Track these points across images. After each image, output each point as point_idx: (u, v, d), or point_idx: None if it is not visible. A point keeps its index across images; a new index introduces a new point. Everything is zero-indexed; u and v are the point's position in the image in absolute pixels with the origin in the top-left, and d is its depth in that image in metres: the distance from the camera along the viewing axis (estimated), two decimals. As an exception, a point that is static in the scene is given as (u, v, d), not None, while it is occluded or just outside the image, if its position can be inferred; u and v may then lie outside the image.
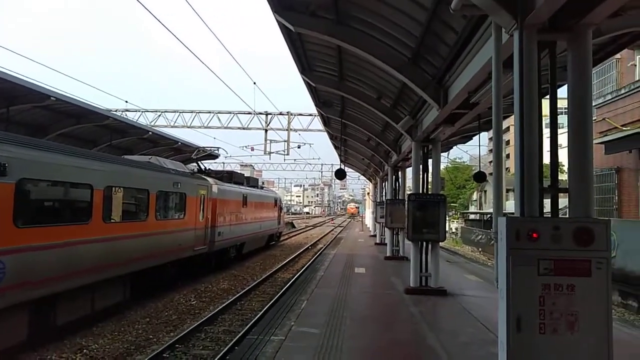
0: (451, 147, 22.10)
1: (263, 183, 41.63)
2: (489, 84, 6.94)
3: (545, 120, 4.15)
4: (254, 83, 22.96)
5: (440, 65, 8.10)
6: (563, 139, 4.31)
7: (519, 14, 3.95)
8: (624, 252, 12.02)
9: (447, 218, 36.88)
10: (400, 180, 20.20)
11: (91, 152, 11.93)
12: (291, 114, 28.66)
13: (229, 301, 11.98)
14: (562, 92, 5.28)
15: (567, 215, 4.09)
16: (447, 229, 17.89)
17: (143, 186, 11.47)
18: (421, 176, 12.07)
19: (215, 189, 16.56)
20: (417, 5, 6.71)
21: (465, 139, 17.76)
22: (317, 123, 25.93)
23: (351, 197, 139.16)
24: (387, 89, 11.39)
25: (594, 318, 3.48)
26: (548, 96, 4.32)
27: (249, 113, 28.10)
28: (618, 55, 16.16)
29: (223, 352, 7.72)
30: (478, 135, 16.06)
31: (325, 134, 23.12)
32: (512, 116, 4.30)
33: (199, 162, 20.11)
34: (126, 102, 27.48)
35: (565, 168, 4.37)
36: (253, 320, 9.69)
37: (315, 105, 15.66)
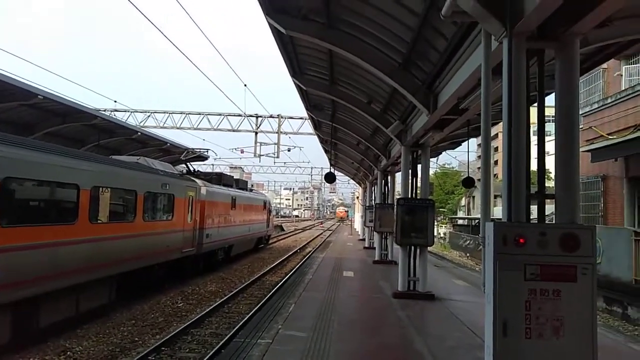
0: (440, 153, 22.29)
1: (252, 186, 41.49)
2: (478, 91, 7.01)
3: (533, 127, 4.20)
4: (245, 85, 22.90)
5: (431, 70, 8.16)
6: (550, 146, 4.37)
7: (509, 22, 4.00)
8: (609, 258, 12.18)
9: (436, 223, 37.08)
10: (389, 184, 20.27)
11: (78, 152, 11.81)
12: (282, 117, 28.64)
13: (216, 304, 11.90)
14: (550, 100, 5.36)
15: (554, 222, 4.14)
16: (435, 233, 18.00)
17: (131, 187, 11.37)
18: (410, 181, 12.13)
19: (204, 190, 16.47)
20: (408, 11, 6.76)
21: (455, 144, 17.90)
22: (308, 126, 25.94)
23: (341, 201, 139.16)
24: (377, 94, 11.44)
25: (579, 323, 3.52)
26: (536, 104, 4.38)
27: (240, 115, 28.02)
28: (605, 65, 16.40)
29: (209, 355, 7.67)
30: (467, 142, 16.19)
31: (316, 137, 23.15)
32: (501, 123, 4.34)
33: (188, 163, 19.98)
34: (115, 101, 27.16)
35: (553, 175, 4.42)
36: (240, 323, 9.63)
37: (306, 109, 15.68)
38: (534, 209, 4.12)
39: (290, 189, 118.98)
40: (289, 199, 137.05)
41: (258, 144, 29.43)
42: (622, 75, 16.99)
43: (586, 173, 16.46)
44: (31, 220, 8.06)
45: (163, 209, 13.30)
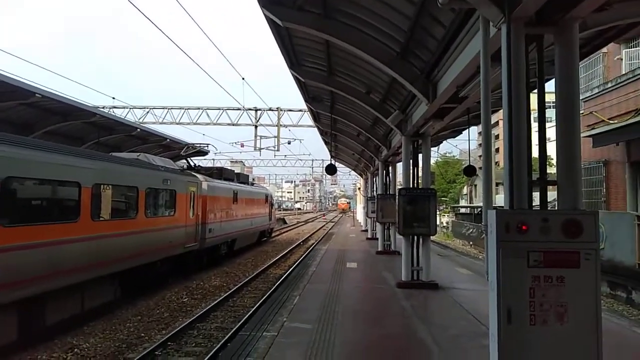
0: (441, 142, 22.22)
1: (254, 179, 41.52)
2: (477, 78, 6.97)
3: (534, 114, 4.18)
4: (243, 79, 22.81)
5: (429, 59, 8.11)
6: (551, 132, 4.34)
7: (507, 7, 3.96)
8: (612, 243, 12.20)
9: (438, 212, 37.08)
10: (390, 175, 20.26)
11: (78, 150, 11.80)
12: (281, 110, 28.56)
13: (221, 298, 11.95)
14: (550, 86, 5.33)
15: (556, 208, 4.13)
16: (437, 223, 18.00)
17: (132, 183, 11.37)
18: (411, 171, 12.11)
19: (205, 185, 16.47)
20: (405, -1, 6.70)
21: (455, 133, 17.86)
22: (307, 119, 25.87)
23: (342, 193, 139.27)
24: (376, 84, 11.39)
25: (584, 309, 3.52)
26: (536, 90, 4.35)
27: (239, 109, 27.94)
28: (605, 49, 16.31)
29: (216, 349, 7.71)
30: (467, 130, 16.15)
31: (316, 129, 23.09)
32: (501, 110, 4.32)
33: (188, 158, 19.98)
34: (113, 98, 27.01)
35: (554, 161, 4.40)
36: (245, 317, 9.67)
37: (305, 101, 15.63)
38: (536, 196, 4.10)
39: (292, 181, 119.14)
40: (290, 192, 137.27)
41: (258, 138, 29.39)
42: (622, 59, 16.89)
43: (588, 158, 16.43)
44: (33, 219, 8.07)
45: (165, 205, 13.31)
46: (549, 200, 4.21)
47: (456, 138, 20.52)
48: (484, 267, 4.07)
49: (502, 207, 4.12)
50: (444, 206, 51.99)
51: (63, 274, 8.48)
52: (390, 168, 20.17)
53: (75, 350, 8.03)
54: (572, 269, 3.52)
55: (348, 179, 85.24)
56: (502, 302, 3.54)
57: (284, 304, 9.19)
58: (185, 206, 14.42)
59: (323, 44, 9.70)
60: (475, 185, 48.97)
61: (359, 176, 44.88)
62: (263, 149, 30.71)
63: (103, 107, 24.85)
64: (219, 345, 7.88)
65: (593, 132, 15.64)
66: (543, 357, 3.51)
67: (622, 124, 14.22)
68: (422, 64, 8.52)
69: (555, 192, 4.19)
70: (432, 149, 15.92)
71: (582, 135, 5.05)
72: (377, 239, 20.22)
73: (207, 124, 28.37)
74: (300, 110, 27.98)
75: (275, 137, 29.15)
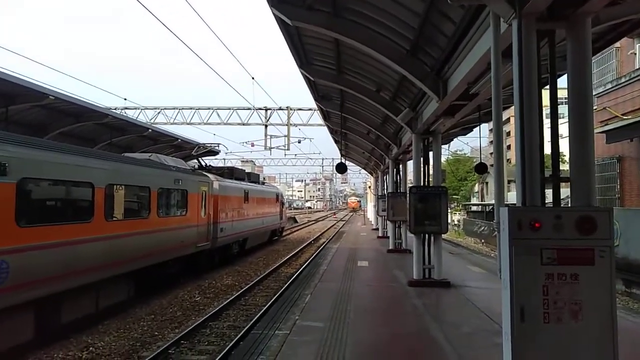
0: (452, 139, 22.08)
1: (264, 179, 41.64)
2: (488, 75, 6.91)
3: (546, 110, 4.14)
4: (253, 78, 22.87)
5: (439, 56, 8.06)
6: (564, 128, 4.30)
7: (517, 3, 3.93)
8: (626, 240, 12.02)
9: (449, 210, 36.83)
10: (401, 173, 20.19)
11: (91, 151, 11.94)
12: (291, 109, 28.59)
13: (233, 297, 12.02)
14: (562, 81, 5.27)
15: (569, 205, 4.09)
16: (449, 221, 17.87)
17: (144, 183, 11.48)
18: (422, 169, 12.06)
19: (217, 185, 16.56)
20: (414, -4, 6.68)
21: (466, 130, 17.73)
22: (317, 117, 25.90)
23: (353, 191, 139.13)
24: (386, 82, 11.36)
25: (598, 306, 3.48)
26: (548, 86, 4.31)
27: (249, 109, 28.04)
28: (618, 44, 16.08)
29: (228, 347, 7.76)
30: (478, 127, 16.04)
31: (326, 128, 23.08)
32: (512, 107, 4.28)
33: (199, 158, 20.12)
34: (125, 99, 27.29)
35: (567, 158, 4.36)
36: (257, 315, 9.72)
37: (315, 100, 15.63)
38: (548, 193, 4.07)
39: (302, 180, 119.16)
40: (301, 191, 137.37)
41: (268, 137, 29.48)
42: (635, 53, 16.62)
43: (601, 155, 16.21)
44: (48, 220, 8.19)
45: (177, 205, 13.41)
46: (561, 197, 4.18)
47: (467, 135, 20.38)
48: (496, 265, 4.05)
49: (515, 204, 4.09)
50: (455, 204, 51.66)
51: (78, 273, 8.60)
52: (400, 166, 20.10)
53: (91, 348, 8.14)
54: (586, 266, 3.49)
55: (358, 177, 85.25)
56: (515, 300, 3.51)
57: (295, 303, 9.21)
58: (196, 206, 14.51)
59: (332, 43, 9.69)
60: (487, 183, 48.56)
61: (369, 175, 44.79)
62: (273, 148, 30.81)
63: (115, 108, 25.09)
64: (231, 344, 7.92)
65: (606, 128, 15.44)
66: (557, 356, 3.48)
67: (636, 120, 14.01)
68: (432, 61, 8.47)
69: (568, 189, 4.15)
70: (442, 146, 15.86)
71: (595, 131, 4.99)
72: (388, 237, 20.16)
73: (218, 123, 28.53)
74: (310, 109, 28.00)
75: (285, 136, 29.21)
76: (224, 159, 48.48)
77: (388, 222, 20.26)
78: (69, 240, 8.38)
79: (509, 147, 49.84)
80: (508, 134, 46.79)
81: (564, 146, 4.28)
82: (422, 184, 11.98)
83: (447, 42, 7.42)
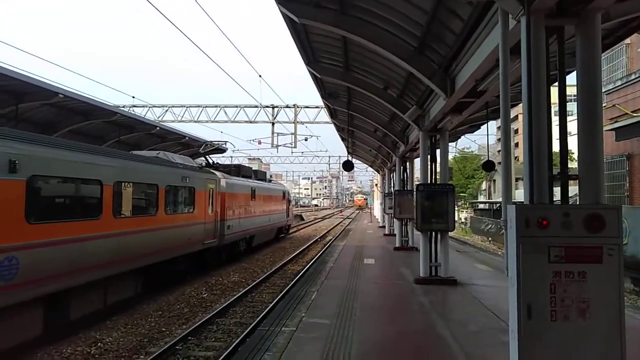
0: (459, 137, 21.99)
1: (271, 176, 41.73)
2: (496, 72, 6.87)
3: (554, 107, 4.11)
4: (260, 76, 22.91)
5: (447, 53, 8.03)
6: (572, 126, 4.27)
7: None
8: (635, 238, 11.93)
9: (456, 208, 36.69)
10: (408, 170, 20.14)
11: (100, 148, 12.02)
12: (297, 107, 28.61)
13: (239, 293, 12.07)
14: (571, 79, 5.22)
15: (577, 203, 4.06)
16: (456, 218, 17.79)
17: (152, 181, 11.54)
18: (429, 166, 12.03)
19: (224, 182, 16.62)
20: (422, -7, 6.65)
21: (473, 128, 17.64)
22: (324, 115, 25.90)
23: (359, 189, 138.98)
24: (393, 79, 11.32)
25: (606, 305, 3.47)
26: (557, 83, 4.28)
27: (256, 106, 28.10)
28: (628, 41, 15.94)
29: (235, 343, 7.80)
30: (486, 124, 15.95)
31: (332, 126, 23.08)
32: (521, 104, 4.26)
33: (206, 156, 20.18)
34: (133, 97, 27.47)
35: (575, 156, 4.34)
36: (264, 312, 9.76)
37: (322, 97, 15.62)
38: (556, 191, 4.05)
39: (309, 178, 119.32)
40: (307, 189, 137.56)
41: (275, 135, 29.53)
42: (646, 50, 16.47)
43: (610, 152, 16.08)
44: (57, 216, 8.25)
45: (184, 202, 13.48)
46: (570, 195, 4.15)
47: (474, 133, 20.26)
48: (504, 263, 4.04)
49: (522, 202, 4.07)
50: (463, 202, 51.45)
51: (86, 270, 8.67)
52: (407, 164, 20.05)
53: (99, 344, 8.21)
54: (594, 264, 3.47)
55: (365, 175, 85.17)
56: (522, 298, 3.50)
57: (302, 300, 9.23)
58: (204, 203, 14.57)
59: (340, 40, 9.68)
60: (494, 181, 48.31)
61: (376, 172, 44.72)
62: (280, 146, 30.89)
63: (123, 106, 25.25)
64: (238, 340, 7.97)
65: (616, 125, 15.31)
66: (564, 354, 3.47)
67: (646, 117, 13.88)
68: (440, 59, 8.44)
69: (577, 187, 4.13)
70: (450, 144, 15.79)
71: (604, 128, 4.96)
72: (395, 235, 20.14)
73: (225, 121, 28.63)
74: (317, 107, 28.01)
75: (292, 134, 29.27)
76: (231, 157, 48.61)
77: (395, 219, 20.23)
78: (78, 237, 8.44)
79: (517, 144, 49.53)
80: (516, 131, 46.48)
81: (573, 144, 4.25)
82: (429, 181, 11.95)
83: (454, 40, 7.38)
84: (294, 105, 28.60)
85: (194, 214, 13.85)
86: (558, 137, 4.15)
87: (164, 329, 9.25)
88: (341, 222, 48.40)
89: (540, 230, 3.51)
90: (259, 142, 34.60)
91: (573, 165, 5.01)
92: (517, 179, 30.01)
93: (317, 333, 6.97)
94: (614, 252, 3.47)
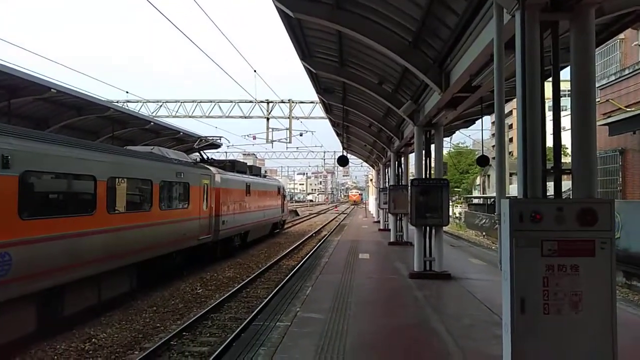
0: (454, 132, 22.04)
1: (266, 172, 41.66)
2: (490, 67, 6.88)
3: (548, 102, 4.12)
4: (255, 71, 22.81)
5: (442, 48, 8.03)
6: (566, 121, 4.29)
7: (521, -6, 3.90)
8: (627, 233, 12.03)
9: (451, 203, 36.81)
10: (403, 166, 20.16)
11: (93, 144, 11.96)
12: (292, 102, 28.55)
13: (234, 289, 12.07)
14: (566, 74, 5.24)
15: (571, 197, 4.09)
16: (450, 213, 17.84)
17: (146, 176, 11.50)
18: (424, 161, 12.05)
19: (219, 178, 16.58)
20: (417, -13, 6.63)
21: (468, 123, 17.69)
22: (319, 110, 25.86)
23: (354, 184, 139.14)
24: (388, 74, 11.31)
25: (598, 298, 3.50)
26: (551, 78, 4.28)
27: (251, 102, 28.00)
28: (622, 35, 15.99)
29: (230, 338, 7.81)
30: (481, 119, 16.01)
31: (327, 121, 23.04)
32: (515, 99, 4.27)
33: (201, 151, 20.13)
34: (127, 92, 27.23)
35: (569, 150, 4.36)
36: (259, 307, 9.77)
37: (317, 92, 15.59)
38: (550, 185, 4.06)
39: (304, 173, 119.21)
40: (302, 184, 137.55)
41: (270, 130, 29.46)
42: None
43: (603, 147, 16.18)
44: (51, 212, 8.22)
45: (179, 198, 13.44)
46: (563, 190, 4.17)
47: (469, 128, 20.33)
48: (497, 257, 4.06)
49: (516, 197, 4.09)
50: (457, 197, 51.67)
51: (80, 266, 8.64)
52: (402, 159, 20.06)
53: (93, 340, 8.20)
54: (586, 258, 3.49)
55: (360, 170, 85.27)
56: (515, 291, 3.53)
57: (296, 295, 9.25)
58: (198, 199, 14.54)
59: (335, 35, 9.65)
60: (489, 176, 48.53)
61: (371, 168, 44.77)
62: (275, 141, 30.82)
63: (117, 101, 25.07)
64: (233, 335, 7.97)
65: (609, 120, 15.39)
66: (557, 347, 3.50)
67: (639, 112, 13.95)
68: (435, 53, 8.43)
69: (570, 182, 4.15)
70: (444, 139, 15.80)
71: (598, 123, 4.99)
72: (390, 230, 20.19)
73: (220, 116, 28.55)
74: (312, 102, 27.95)
75: (287, 129, 29.20)
76: (226, 152, 48.48)
77: (389, 214, 20.28)
78: (71, 232, 8.41)
79: (511, 139, 49.72)
80: (510, 126, 46.64)
81: (566, 139, 4.27)
82: (423, 176, 11.98)
83: (449, 34, 7.38)
84: (289, 100, 28.54)
85: (189, 210, 13.81)
86: (552, 132, 4.16)
87: (158, 325, 9.24)
88: (336, 217, 48.46)
89: (534, 224, 3.53)
90: (254, 138, 34.63)
91: (567, 160, 5.04)
92: (511, 174, 30.16)
93: (311, 328, 6.99)
94: (607, 245, 3.50)
